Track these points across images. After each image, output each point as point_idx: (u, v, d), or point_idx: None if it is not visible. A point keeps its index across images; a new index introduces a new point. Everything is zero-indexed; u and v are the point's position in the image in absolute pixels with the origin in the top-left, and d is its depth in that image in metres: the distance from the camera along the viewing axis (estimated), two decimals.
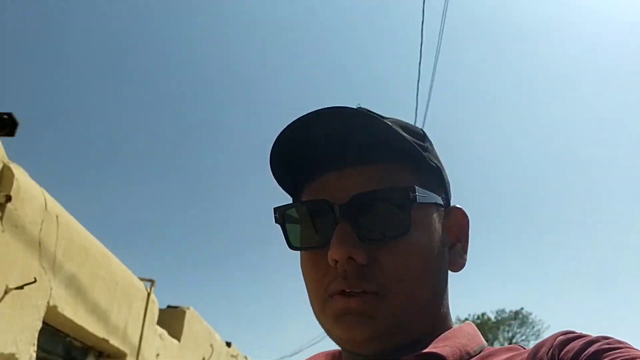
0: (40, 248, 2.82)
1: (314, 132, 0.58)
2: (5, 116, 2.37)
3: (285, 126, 0.58)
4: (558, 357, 0.49)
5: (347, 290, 0.55)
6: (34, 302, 2.81)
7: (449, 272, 0.64)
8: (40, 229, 2.81)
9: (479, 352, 0.57)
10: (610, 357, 0.45)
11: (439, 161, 0.65)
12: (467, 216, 0.65)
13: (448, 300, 0.64)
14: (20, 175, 2.63)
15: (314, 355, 0.66)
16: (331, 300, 0.57)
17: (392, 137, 0.57)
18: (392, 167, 0.58)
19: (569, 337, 0.51)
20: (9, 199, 2.47)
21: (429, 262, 0.58)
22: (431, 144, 0.65)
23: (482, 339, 0.62)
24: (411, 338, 0.58)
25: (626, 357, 0.45)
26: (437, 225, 0.61)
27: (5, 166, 2.54)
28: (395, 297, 0.56)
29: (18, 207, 2.59)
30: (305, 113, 0.56)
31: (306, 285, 0.61)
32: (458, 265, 0.64)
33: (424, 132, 0.66)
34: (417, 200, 0.56)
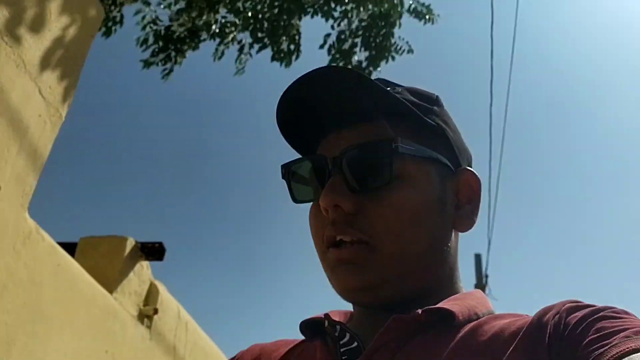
0: (175, 352, 3.33)
1: (314, 96, 0.60)
2: (157, 245, 2.98)
3: (286, 88, 0.60)
4: (564, 322, 0.50)
5: (337, 239, 0.57)
6: None
7: (458, 232, 0.65)
8: (175, 335, 3.34)
9: (487, 314, 0.59)
10: (613, 324, 0.46)
11: (447, 124, 0.65)
12: (478, 179, 0.65)
13: (455, 261, 0.64)
14: (163, 290, 3.20)
15: (331, 311, 0.66)
16: (328, 253, 0.59)
17: (385, 97, 0.58)
18: (385, 124, 0.59)
19: (577, 305, 0.52)
20: (155, 311, 3.03)
21: (421, 215, 0.58)
22: (442, 108, 0.66)
23: (491, 305, 0.63)
24: (408, 291, 0.59)
25: (628, 325, 0.46)
26: (435, 182, 0.61)
27: (152, 284, 3.13)
28: (385, 248, 0.57)
29: (161, 318, 3.14)
30: (304, 74, 0.58)
31: (312, 238, 0.63)
32: (465, 226, 0.64)
33: (436, 97, 0.67)
34: (400, 151, 0.57)
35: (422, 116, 0.61)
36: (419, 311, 0.54)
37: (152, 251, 3.00)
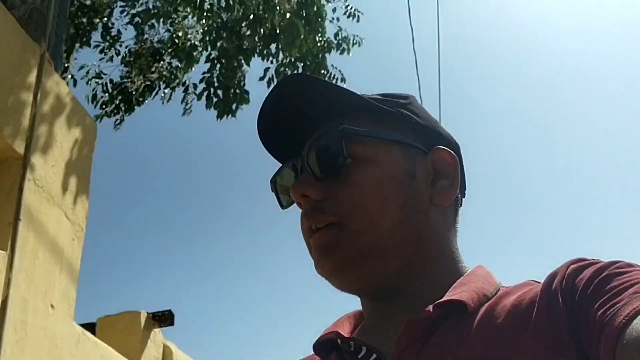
0: None
1: (284, 110, 0.63)
2: (167, 312, 3.37)
3: (260, 107, 0.63)
4: (572, 288, 0.49)
5: (313, 227, 0.60)
6: None
7: (448, 210, 0.65)
8: None
9: (496, 293, 0.58)
10: (620, 281, 0.46)
11: (415, 113, 0.66)
12: (454, 156, 0.65)
13: (446, 238, 0.64)
14: (175, 350, 3.59)
15: (339, 319, 0.67)
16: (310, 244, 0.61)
17: (346, 97, 0.62)
18: (342, 118, 0.62)
19: (581, 266, 0.52)
20: None
21: (386, 190, 0.59)
22: (411, 102, 0.67)
23: (496, 279, 0.62)
24: (391, 269, 0.59)
25: (635, 279, 0.46)
26: (400, 160, 0.62)
27: (165, 346, 3.52)
28: (354, 224, 0.58)
29: None
30: (272, 90, 0.62)
31: None
32: (444, 199, 0.63)
33: (407, 95, 0.68)
34: (347, 132, 0.60)
35: (380, 106, 0.63)
36: (430, 308, 0.54)
37: (163, 318, 3.39)
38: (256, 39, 5.40)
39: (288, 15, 5.05)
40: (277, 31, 5.14)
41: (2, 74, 2.20)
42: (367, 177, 0.60)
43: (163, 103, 5.97)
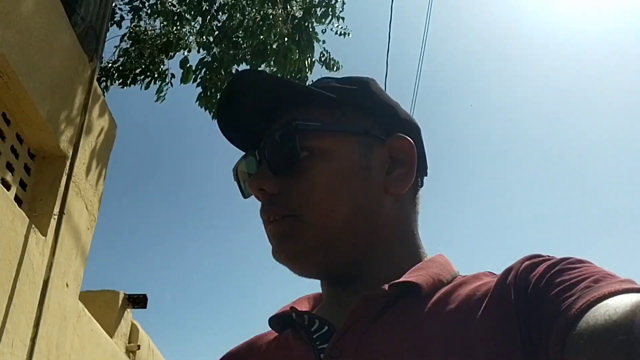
0: None
1: (239, 103, 0.65)
2: (141, 296, 3.79)
3: (220, 100, 0.66)
4: (524, 282, 0.51)
5: (271, 219, 0.62)
6: None
7: (406, 198, 0.66)
8: None
9: (452, 280, 0.60)
10: (571, 275, 0.48)
11: (372, 99, 0.67)
12: (412, 143, 0.66)
13: (401, 226, 0.65)
14: (140, 328, 4.01)
15: (299, 299, 0.69)
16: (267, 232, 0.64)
17: (298, 89, 0.65)
18: (296, 112, 0.64)
19: (535, 262, 0.53)
20: (138, 347, 3.84)
21: (338, 183, 0.61)
22: (367, 87, 0.68)
23: (454, 268, 0.64)
24: (347, 257, 0.62)
25: (585, 273, 0.47)
26: (356, 151, 0.63)
27: (133, 325, 3.93)
28: (307, 217, 0.60)
29: (142, 353, 3.96)
30: (228, 85, 0.65)
31: None
32: (398, 188, 0.64)
33: (366, 79, 0.70)
34: (299, 128, 0.61)
35: (327, 94, 0.63)
36: (385, 286, 0.55)
37: (138, 301, 3.80)
38: (248, 51, 5.80)
39: (283, 38, 5.50)
40: (269, 50, 5.56)
41: (60, 83, 2.57)
42: (319, 172, 0.61)
43: (141, 89, 6.25)
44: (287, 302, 0.68)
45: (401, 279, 0.57)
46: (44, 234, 2.44)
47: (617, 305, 0.42)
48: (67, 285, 2.69)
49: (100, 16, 2.88)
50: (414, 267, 0.61)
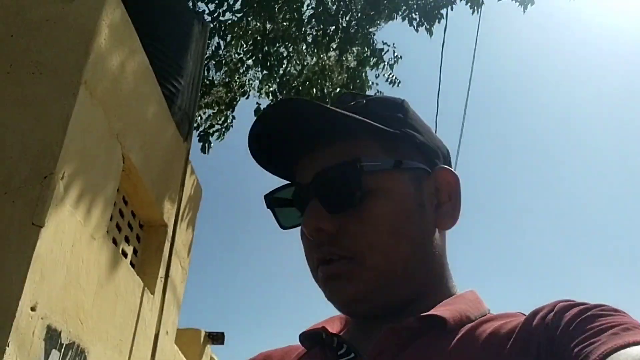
0: None
1: (281, 127, 0.63)
2: (220, 333, 4.30)
3: (258, 121, 0.63)
4: (554, 323, 0.50)
5: (327, 258, 0.61)
6: None
7: (443, 231, 0.66)
8: None
9: (480, 317, 0.59)
10: (602, 322, 0.47)
11: (414, 128, 0.66)
12: (455, 175, 0.66)
13: (443, 261, 0.66)
14: None
15: (330, 318, 0.70)
16: (318, 271, 0.63)
17: (346, 120, 0.61)
18: (350, 144, 0.62)
19: (568, 305, 0.52)
20: None
21: (399, 225, 0.61)
22: (407, 113, 0.67)
23: (485, 305, 0.63)
24: (400, 298, 0.61)
25: (616, 322, 0.47)
26: (410, 188, 0.63)
27: (211, 358, 4.44)
28: (369, 260, 0.59)
29: None
30: (269, 109, 0.63)
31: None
32: (448, 223, 0.65)
33: (402, 101, 0.69)
34: (365, 170, 0.60)
35: (385, 128, 0.63)
36: (411, 319, 0.57)
37: (216, 337, 4.31)
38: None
39: (340, 86, 5.97)
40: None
41: (165, 166, 3.11)
42: (380, 213, 0.61)
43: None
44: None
45: (428, 312, 0.58)
46: (153, 293, 2.96)
47: (637, 353, 0.42)
48: (167, 332, 3.20)
49: (192, 101, 3.42)
50: (443, 302, 0.62)
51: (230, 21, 6.05)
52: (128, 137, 2.55)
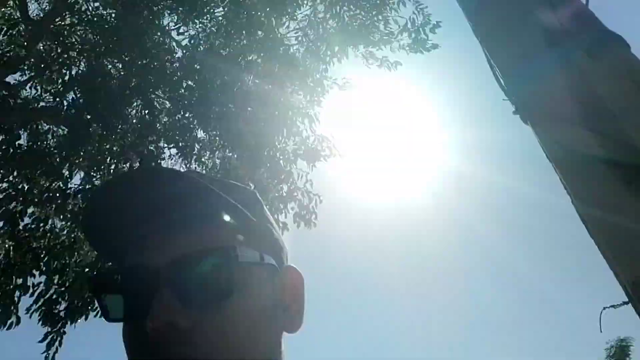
0: None
1: (128, 198, 0.55)
2: None
3: (100, 189, 0.57)
4: None
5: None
6: None
7: (286, 334, 0.62)
8: None
9: None
10: None
11: (270, 222, 0.64)
12: (301, 275, 0.63)
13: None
14: None
15: None
16: None
17: (214, 200, 0.56)
18: (215, 229, 0.57)
19: None
20: None
21: (260, 328, 0.56)
22: (262, 205, 0.64)
23: None
24: None
25: None
26: (269, 287, 0.59)
27: None
28: (219, 358, 0.53)
29: None
30: (116, 177, 0.55)
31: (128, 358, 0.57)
32: (294, 327, 0.62)
33: (254, 192, 0.66)
34: (239, 260, 0.55)
35: (252, 218, 0.59)
36: None
37: None
38: None
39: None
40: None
41: None
42: (242, 312, 0.56)
43: None
44: None
45: None
46: None
47: None
48: None
49: None
50: None
51: None
52: None
